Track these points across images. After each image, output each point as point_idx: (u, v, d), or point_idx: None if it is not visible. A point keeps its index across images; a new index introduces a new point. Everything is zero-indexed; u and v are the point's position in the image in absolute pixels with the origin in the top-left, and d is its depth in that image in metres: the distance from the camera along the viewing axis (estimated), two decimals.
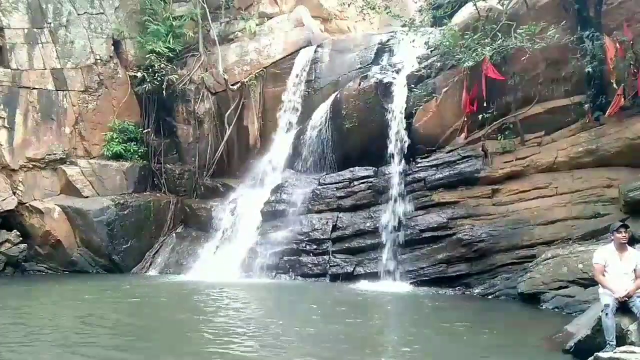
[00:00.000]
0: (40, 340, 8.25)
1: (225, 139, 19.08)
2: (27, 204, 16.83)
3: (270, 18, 20.35)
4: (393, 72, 16.93)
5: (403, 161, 15.61)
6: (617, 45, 12.32)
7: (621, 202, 11.79)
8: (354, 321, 10.14)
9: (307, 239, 15.34)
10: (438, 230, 14.10)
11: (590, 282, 10.53)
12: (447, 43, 14.79)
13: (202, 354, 7.42)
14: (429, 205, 14.61)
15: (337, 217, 15.40)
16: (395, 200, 14.95)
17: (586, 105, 13.13)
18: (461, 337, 8.94)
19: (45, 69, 17.48)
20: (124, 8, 19.41)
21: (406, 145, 15.72)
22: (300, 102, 18.43)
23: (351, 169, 16.05)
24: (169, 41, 19.40)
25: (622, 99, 12.37)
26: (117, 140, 18.52)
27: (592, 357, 6.20)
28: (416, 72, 16.37)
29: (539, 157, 13.71)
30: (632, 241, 9.59)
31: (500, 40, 13.55)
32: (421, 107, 15.67)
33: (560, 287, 10.97)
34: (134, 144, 18.85)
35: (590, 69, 12.82)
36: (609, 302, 7.12)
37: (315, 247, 15.20)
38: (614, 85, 12.38)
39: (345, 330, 9.37)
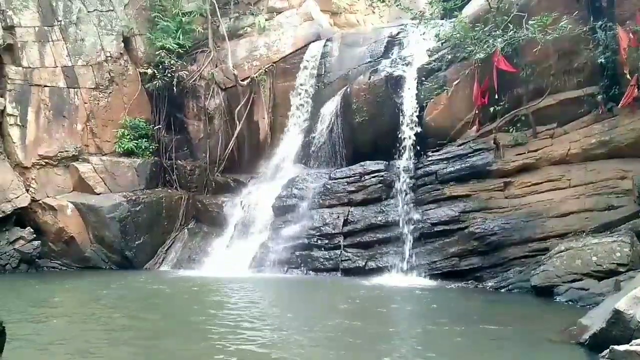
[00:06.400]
0: (58, 336, 8.32)
1: (235, 134, 19.09)
2: (40, 201, 16.96)
3: (280, 13, 20.33)
4: (403, 65, 16.83)
5: (414, 155, 15.57)
6: (631, 35, 12.21)
7: (635, 194, 11.71)
8: (366, 315, 10.13)
9: (318, 233, 15.34)
10: (450, 224, 14.06)
11: (604, 275, 10.49)
12: (458, 35, 14.72)
13: (212, 349, 7.43)
14: (440, 199, 14.57)
15: (349, 211, 15.38)
16: (407, 194, 14.94)
17: (599, 97, 13.00)
18: (474, 330, 8.90)
19: (56, 66, 17.56)
20: (133, 5, 19.45)
21: (417, 138, 15.67)
22: (310, 96, 18.40)
23: (362, 163, 16.00)
24: (179, 37, 19.43)
25: (636, 90, 12.21)
26: (128, 137, 18.61)
27: (608, 349, 6.16)
28: (427, 65, 16.26)
29: (551, 150, 13.61)
30: None
31: (512, 31, 13.46)
32: (432, 100, 15.59)
33: (574, 280, 10.90)
34: (145, 141, 18.93)
35: (603, 60, 12.70)
36: None
37: (326, 241, 15.20)
38: (627, 75, 12.25)
39: (357, 324, 9.36)
